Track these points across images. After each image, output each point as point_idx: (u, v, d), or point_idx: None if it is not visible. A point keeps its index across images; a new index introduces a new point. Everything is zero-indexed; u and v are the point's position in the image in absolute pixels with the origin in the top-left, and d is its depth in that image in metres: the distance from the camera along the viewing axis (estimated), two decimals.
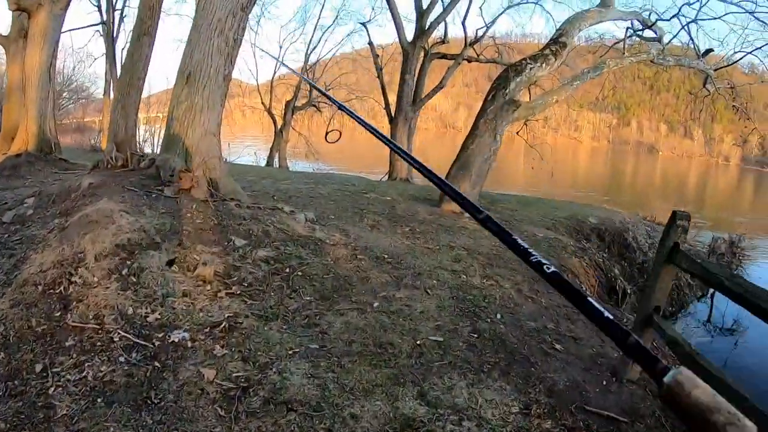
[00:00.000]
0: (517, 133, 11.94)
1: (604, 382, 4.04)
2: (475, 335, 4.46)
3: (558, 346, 4.53)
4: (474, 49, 20.83)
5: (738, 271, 15.48)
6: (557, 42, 10.74)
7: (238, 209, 6.15)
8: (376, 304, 4.72)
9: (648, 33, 13.09)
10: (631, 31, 13.08)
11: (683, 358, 3.59)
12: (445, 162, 11.57)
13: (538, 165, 16.88)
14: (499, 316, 4.95)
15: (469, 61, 21.01)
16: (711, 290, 13.85)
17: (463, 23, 20.16)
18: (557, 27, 11.59)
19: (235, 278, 4.67)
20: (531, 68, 10.24)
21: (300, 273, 5.04)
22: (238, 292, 4.47)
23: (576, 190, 34.57)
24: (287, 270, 5.04)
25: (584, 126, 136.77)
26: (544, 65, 10.37)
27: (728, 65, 14.03)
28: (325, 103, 28.39)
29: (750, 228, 24.27)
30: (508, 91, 10.05)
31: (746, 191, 64.81)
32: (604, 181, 51.17)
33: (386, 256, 6.04)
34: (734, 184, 74.97)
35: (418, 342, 4.18)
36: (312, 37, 26.89)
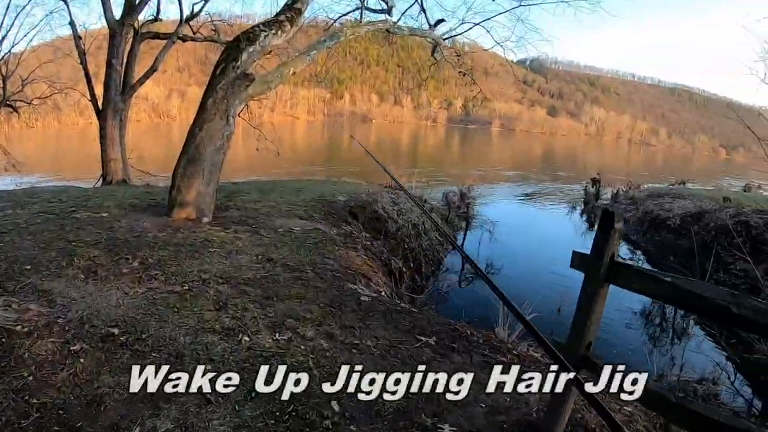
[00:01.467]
0: (239, 114, 10.72)
1: None
2: None
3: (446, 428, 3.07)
4: (190, 26, 18.47)
5: (473, 214, 16.52)
6: (292, 8, 9.37)
7: None
8: None
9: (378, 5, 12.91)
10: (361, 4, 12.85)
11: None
12: (162, 157, 9.50)
13: (263, 146, 15.81)
14: (336, 405, 3.19)
15: (184, 40, 18.49)
16: (460, 244, 14.47)
17: None
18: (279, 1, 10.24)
19: None
20: (266, 36, 8.68)
21: None
22: None
23: (310, 165, 34.22)
24: None
25: (300, 102, 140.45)
26: (279, 33, 8.91)
27: (456, 35, 14.35)
28: (24, 101, 23.89)
29: (461, 178, 26.54)
30: (239, 63, 8.38)
31: (454, 146, 71.03)
32: (330, 154, 51.96)
33: (116, 331, 3.88)
34: (446, 140, 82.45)
35: None
36: (3, 20, 21.90)
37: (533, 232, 19.52)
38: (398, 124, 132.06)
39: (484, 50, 17.25)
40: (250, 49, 8.48)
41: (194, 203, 8.24)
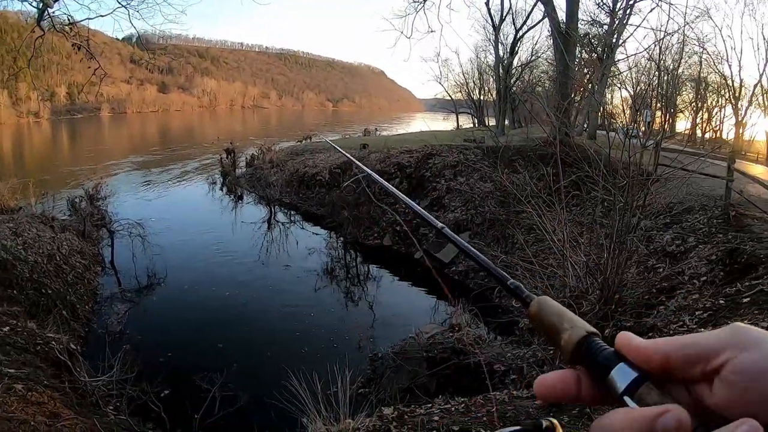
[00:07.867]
0: None
1: None
2: None
3: None
4: None
5: (111, 219, 14.97)
6: None
7: None
8: None
9: None
10: None
11: None
12: None
13: None
14: None
15: None
16: (109, 260, 12.90)
17: None
18: None
19: None
20: None
21: None
22: None
23: None
24: None
25: None
26: None
27: None
28: None
29: (85, 177, 24.18)
30: None
31: (63, 141, 65.14)
32: None
33: None
34: (54, 137, 74.99)
35: None
36: None
37: (186, 221, 18.48)
38: None
39: (83, 24, 14.61)
40: None
41: None
